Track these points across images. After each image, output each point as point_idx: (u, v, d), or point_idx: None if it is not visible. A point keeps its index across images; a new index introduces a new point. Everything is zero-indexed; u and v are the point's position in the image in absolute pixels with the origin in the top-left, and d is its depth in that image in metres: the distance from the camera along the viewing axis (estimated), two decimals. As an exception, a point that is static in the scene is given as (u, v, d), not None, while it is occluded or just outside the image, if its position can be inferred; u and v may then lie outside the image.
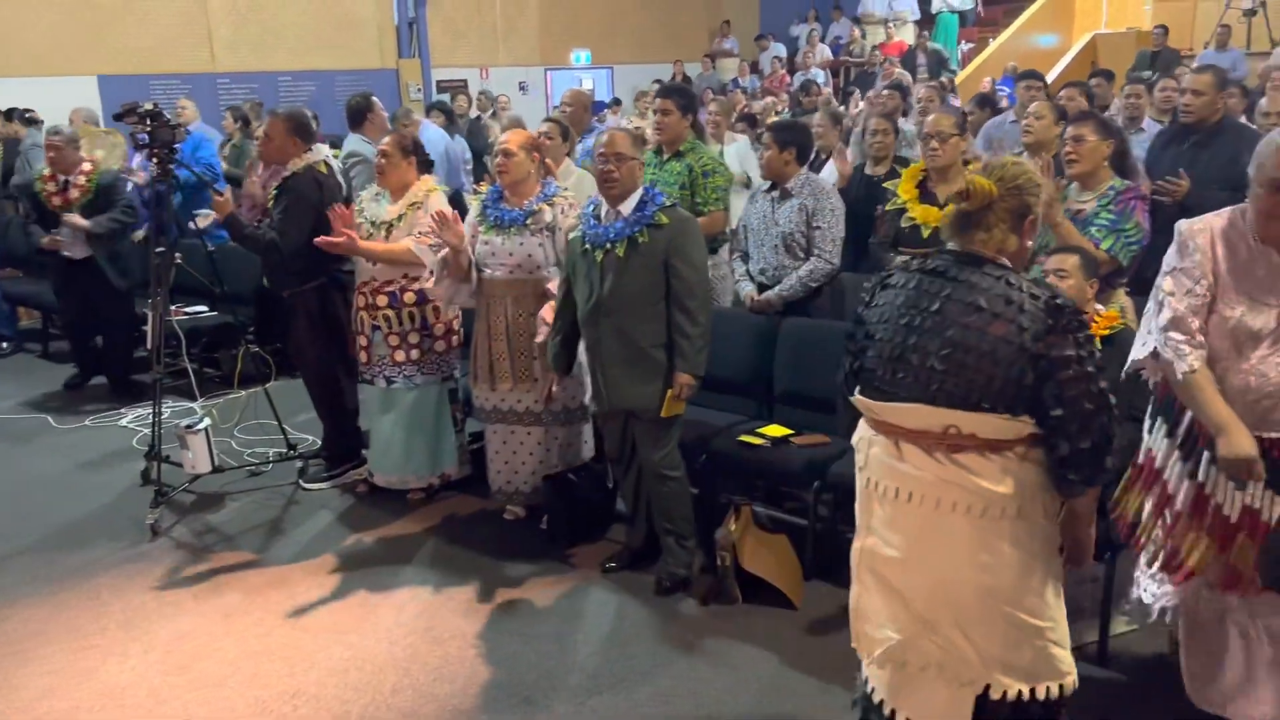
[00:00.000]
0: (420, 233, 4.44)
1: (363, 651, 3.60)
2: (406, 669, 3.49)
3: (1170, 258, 2.64)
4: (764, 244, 4.55)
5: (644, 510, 4.03)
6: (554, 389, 4.12)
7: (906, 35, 15.64)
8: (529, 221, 4.18)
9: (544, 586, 4.01)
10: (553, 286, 4.09)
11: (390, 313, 4.57)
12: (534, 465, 4.38)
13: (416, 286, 4.55)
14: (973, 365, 2.27)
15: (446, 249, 4.17)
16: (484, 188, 4.43)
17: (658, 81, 13.28)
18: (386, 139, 4.64)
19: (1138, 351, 2.67)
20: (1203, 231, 2.60)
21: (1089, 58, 14.11)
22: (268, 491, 5.01)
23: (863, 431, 2.54)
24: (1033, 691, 2.42)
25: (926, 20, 15.91)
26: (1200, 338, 2.55)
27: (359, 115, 6.30)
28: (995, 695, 2.42)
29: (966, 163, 4.26)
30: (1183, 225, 2.65)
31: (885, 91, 8.05)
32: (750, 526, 3.88)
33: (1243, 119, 5.68)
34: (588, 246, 3.77)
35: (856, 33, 15.76)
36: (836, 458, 3.91)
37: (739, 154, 6.36)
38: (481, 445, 4.70)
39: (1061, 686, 2.43)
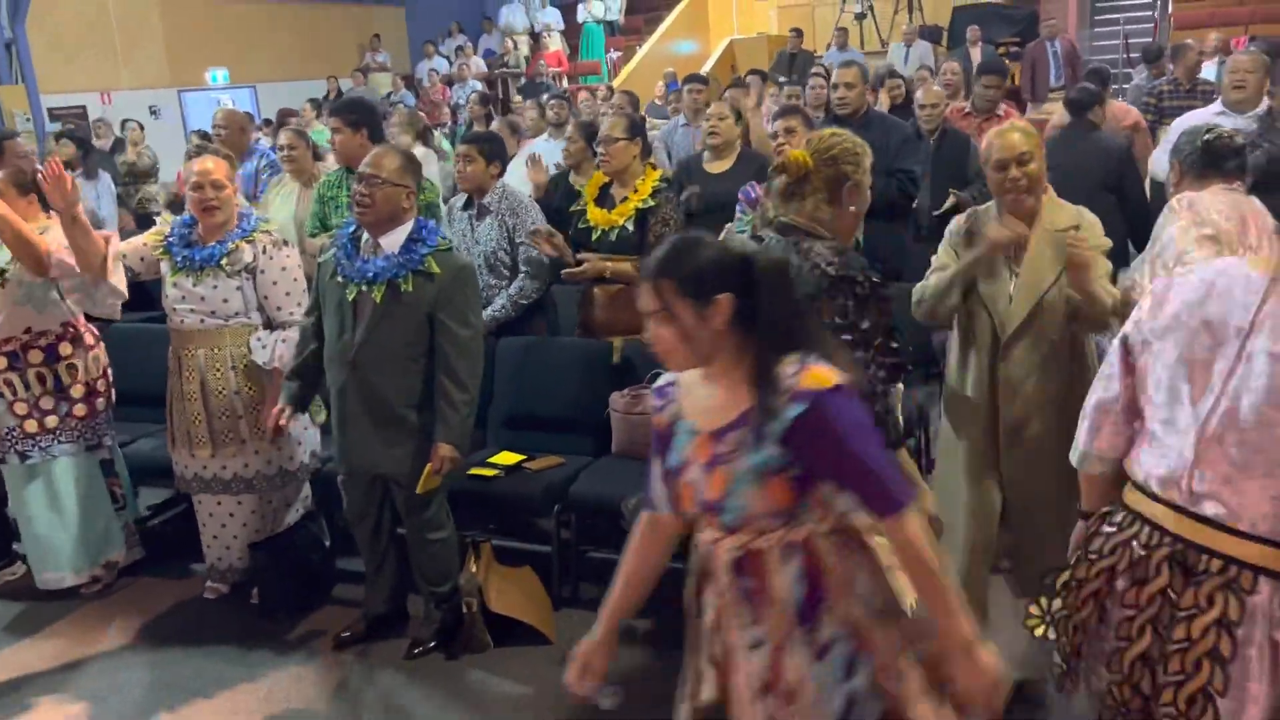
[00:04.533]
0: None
1: (47, 795, 2.97)
2: (109, 805, 2.92)
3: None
4: None
5: (388, 572, 3.63)
6: (283, 421, 3.51)
7: (556, 45, 15.90)
8: (224, 262, 3.66)
9: (264, 668, 3.52)
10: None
11: (13, 376, 3.82)
12: (248, 536, 3.86)
13: (43, 343, 3.85)
14: None
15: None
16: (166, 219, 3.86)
17: (311, 100, 12.54)
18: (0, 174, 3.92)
19: None
20: None
21: (729, 61, 14.99)
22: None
23: None
24: None
25: (573, 30, 16.25)
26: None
27: None
28: None
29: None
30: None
31: (554, 101, 8.00)
32: (492, 564, 3.64)
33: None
34: (340, 279, 3.30)
35: (510, 44, 15.78)
36: (574, 478, 3.75)
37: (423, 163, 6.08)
38: (160, 522, 4.08)
39: None
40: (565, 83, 15.02)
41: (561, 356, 4.10)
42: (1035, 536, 2.89)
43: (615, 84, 13.87)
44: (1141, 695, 1.86)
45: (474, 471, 3.81)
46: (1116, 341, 2.01)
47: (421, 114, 9.91)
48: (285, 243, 3.78)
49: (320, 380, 3.52)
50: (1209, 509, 1.76)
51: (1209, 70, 8.41)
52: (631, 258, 3.98)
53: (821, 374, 1.76)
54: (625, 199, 4.09)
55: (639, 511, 3.21)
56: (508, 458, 3.89)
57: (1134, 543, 1.87)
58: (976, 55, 10.49)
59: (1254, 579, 1.73)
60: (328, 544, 4.03)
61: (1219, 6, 12.52)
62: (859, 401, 1.80)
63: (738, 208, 4.24)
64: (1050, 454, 2.72)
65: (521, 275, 4.19)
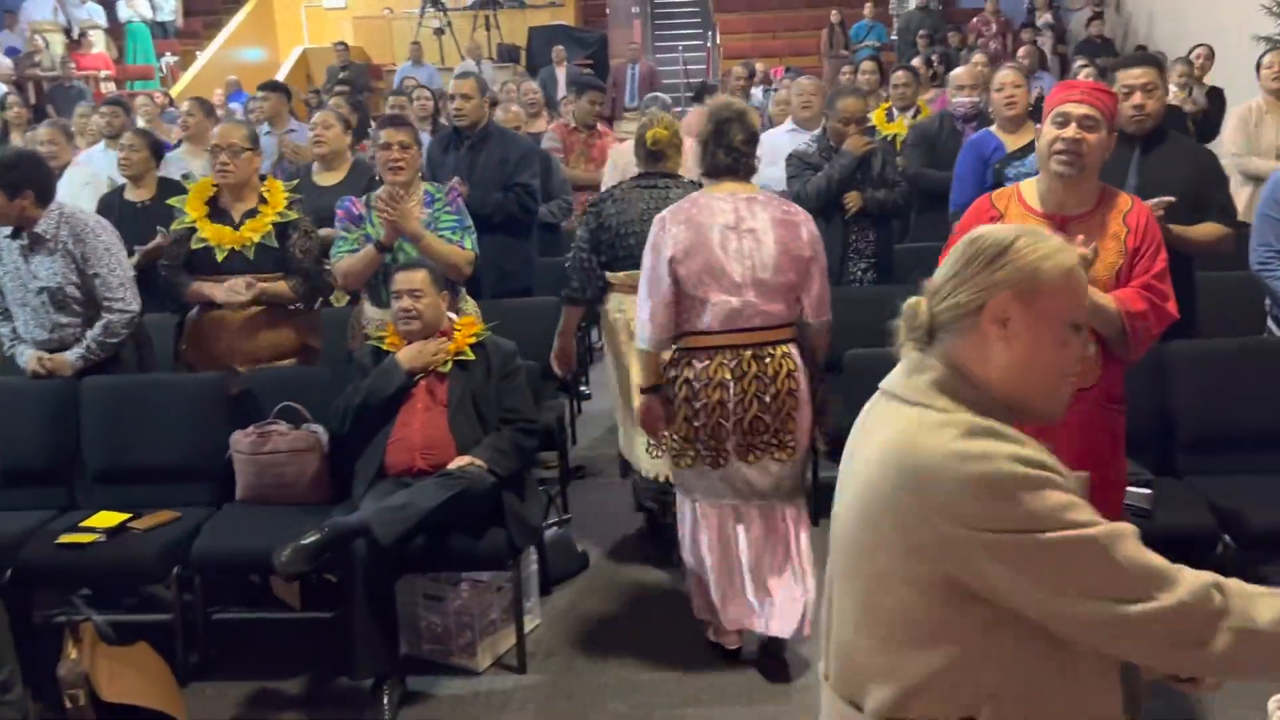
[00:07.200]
0: None
1: None
2: None
3: None
4: (26, 304, 3.58)
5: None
6: None
7: (100, 45, 14.18)
8: None
9: None
10: None
11: None
12: None
13: None
14: None
15: None
16: None
17: None
18: None
19: None
20: None
21: (303, 71, 14.32)
22: None
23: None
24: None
25: (116, 30, 14.58)
26: None
27: None
28: None
29: None
30: None
31: (106, 108, 6.99)
32: (98, 646, 3.09)
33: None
34: None
35: (40, 42, 13.80)
36: (194, 533, 3.30)
37: None
38: None
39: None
40: (113, 87, 13.43)
41: (165, 395, 3.59)
42: None
43: (174, 92, 12.65)
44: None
45: (65, 539, 3.23)
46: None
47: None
48: None
49: None
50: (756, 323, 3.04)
51: (755, 97, 9.47)
52: (276, 275, 3.70)
53: None
54: (255, 213, 3.72)
55: (295, 561, 2.92)
56: (108, 518, 3.33)
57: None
58: (562, 74, 10.90)
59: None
60: None
61: (758, 40, 14.14)
62: None
63: (338, 222, 3.86)
64: None
65: (105, 311, 3.58)
